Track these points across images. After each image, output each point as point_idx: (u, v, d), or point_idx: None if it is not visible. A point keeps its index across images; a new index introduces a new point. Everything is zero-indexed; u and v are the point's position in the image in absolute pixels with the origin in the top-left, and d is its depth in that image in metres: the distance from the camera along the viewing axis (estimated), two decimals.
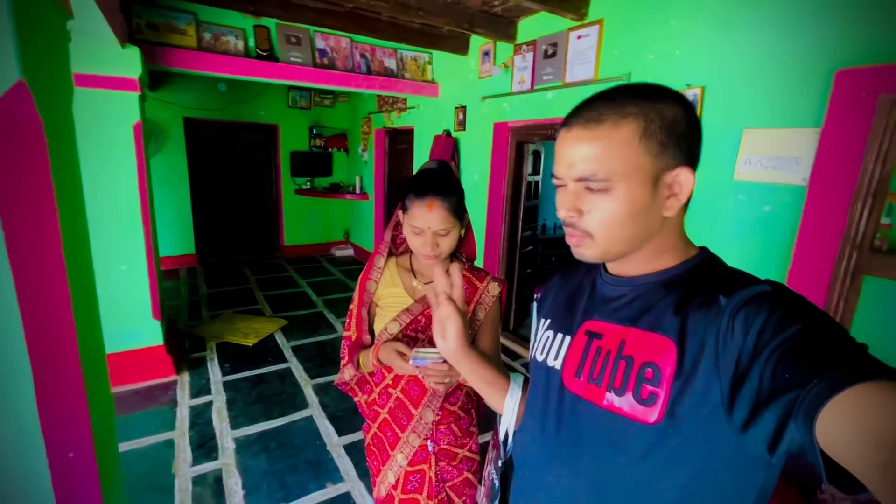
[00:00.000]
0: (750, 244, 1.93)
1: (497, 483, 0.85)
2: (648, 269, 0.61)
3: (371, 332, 1.18)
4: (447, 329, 0.73)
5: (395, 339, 1.08)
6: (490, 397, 0.78)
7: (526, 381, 0.81)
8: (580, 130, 0.56)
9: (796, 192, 1.76)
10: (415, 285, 1.12)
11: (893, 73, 1.46)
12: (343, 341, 1.20)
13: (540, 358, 0.71)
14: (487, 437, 2.28)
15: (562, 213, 0.59)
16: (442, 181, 1.02)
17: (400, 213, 1.09)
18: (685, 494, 0.53)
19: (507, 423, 0.77)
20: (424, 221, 0.99)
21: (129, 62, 2.46)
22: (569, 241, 0.61)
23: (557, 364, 0.66)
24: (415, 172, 1.09)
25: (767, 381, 0.44)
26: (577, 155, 0.56)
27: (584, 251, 0.60)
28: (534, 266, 4.19)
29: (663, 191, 0.56)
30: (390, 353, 1.02)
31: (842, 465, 0.38)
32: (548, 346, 0.70)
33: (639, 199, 0.55)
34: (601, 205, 0.55)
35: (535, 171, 3.81)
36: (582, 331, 0.65)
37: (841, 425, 0.37)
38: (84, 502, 0.78)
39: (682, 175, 0.55)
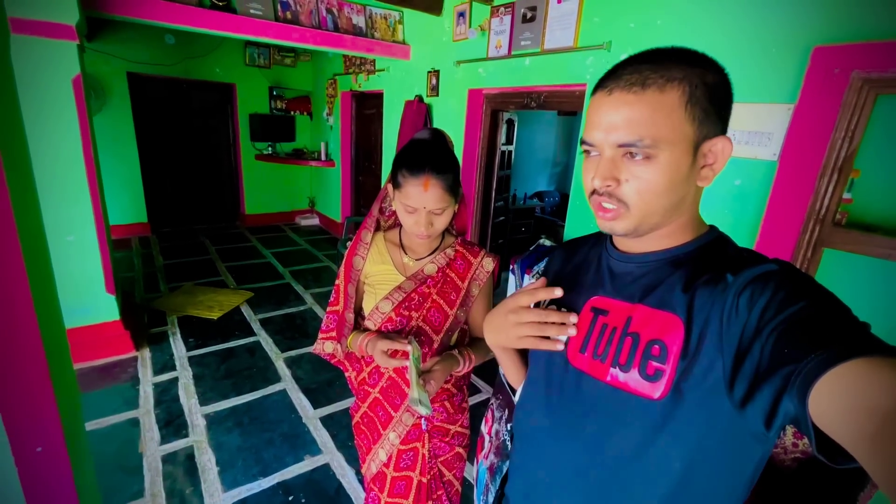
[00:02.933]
0: (719, 217, 2.00)
1: (510, 444, 0.85)
2: (661, 246, 0.60)
3: (360, 310, 1.14)
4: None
5: (381, 329, 1.05)
6: (509, 371, 0.78)
7: None
8: (623, 94, 0.52)
9: (767, 166, 1.82)
10: (405, 262, 1.07)
11: (867, 51, 1.50)
12: (328, 315, 1.15)
13: None
14: (474, 399, 2.31)
15: (596, 183, 0.55)
16: (438, 156, 0.95)
17: (390, 187, 1.03)
18: (686, 467, 0.54)
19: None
20: (419, 201, 0.93)
21: (65, 6, 2.17)
22: (600, 213, 0.57)
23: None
24: (407, 143, 1.02)
25: (767, 357, 0.45)
26: (619, 119, 0.52)
27: (617, 224, 0.56)
28: (505, 237, 4.22)
29: (700, 160, 0.54)
30: (378, 353, 0.97)
31: (832, 438, 0.39)
32: None
33: (681, 168, 0.53)
34: (641, 173, 0.53)
35: (509, 141, 3.77)
36: (587, 307, 0.64)
37: (834, 398, 0.38)
38: (57, 498, 0.72)
39: (722, 145, 0.54)
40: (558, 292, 0.61)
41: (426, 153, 0.95)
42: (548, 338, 0.63)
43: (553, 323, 0.61)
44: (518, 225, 4.79)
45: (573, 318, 0.61)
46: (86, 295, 2.60)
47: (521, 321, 0.62)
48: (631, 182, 0.53)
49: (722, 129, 0.55)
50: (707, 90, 0.52)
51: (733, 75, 1.93)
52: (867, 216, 1.68)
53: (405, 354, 0.96)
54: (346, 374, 1.21)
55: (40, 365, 0.68)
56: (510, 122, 3.66)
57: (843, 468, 0.41)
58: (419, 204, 0.93)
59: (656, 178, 0.52)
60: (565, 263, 0.75)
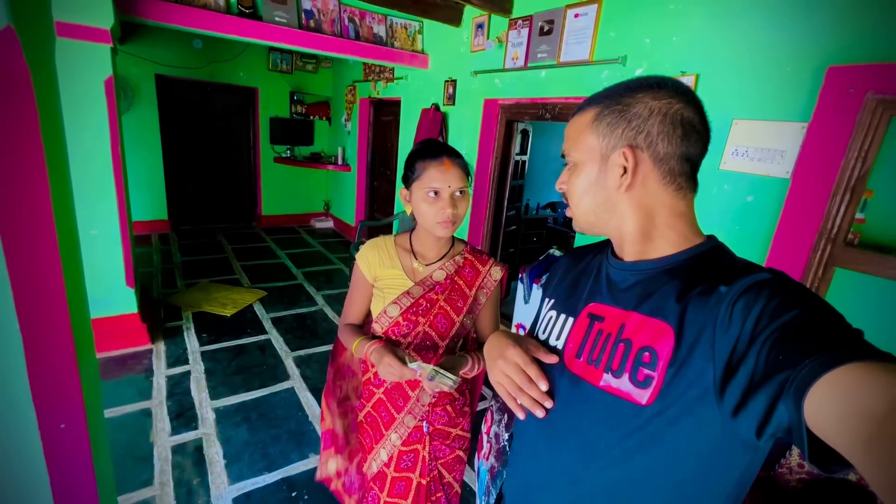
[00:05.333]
0: (731, 233, 1.99)
1: (508, 449, 0.87)
2: (656, 255, 0.61)
3: (368, 314, 1.18)
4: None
5: (387, 332, 1.08)
6: None
7: None
8: (572, 119, 0.67)
9: (779, 184, 1.82)
10: (415, 267, 1.09)
11: (881, 72, 1.50)
12: (324, 435, 1.31)
13: (542, 337, 0.72)
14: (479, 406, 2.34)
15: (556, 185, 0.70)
16: (449, 147, 1.03)
17: (404, 191, 1.06)
18: (672, 473, 0.56)
19: None
20: (443, 180, 0.97)
21: (101, 10, 2.28)
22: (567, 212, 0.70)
23: (559, 344, 0.68)
24: (407, 148, 1.08)
25: (762, 364, 0.46)
26: (565, 136, 0.68)
27: (573, 220, 0.69)
28: (516, 246, 4.23)
29: (615, 169, 0.60)
30: (384, 366, 0.96)
31: (826, 444, 0.40)
32: (550, 326, 0.72)
33: (590, 173, 0.63)
34: (570, 178, 0.66)
35: (523, 151, 3.80)
36: (585, 313, 0.66)
37: (829, 403, 0.39)
38: (76, 474, 0.76)
39: (617, 154, 0.60)
40: (552, 359, 0.66)
41: (438, 143, 1.03)
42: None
43: (529, 394, 0.65)
44: (530, 234, 4.80)
45: (548, 405, 0.65)
46: (107, 287, 2.69)
47: (505, 373, 0.65)
48: (567, 184, 0.67)
49: (640, 142, 0.59)
50: (619, 109, 0.61)
51: (747, 93, 1.96)
52: (881, 237, 1.67)
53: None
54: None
55: (68, 346, 0.73)
56: (524, 133, 3.70)
57: (837, 477, 0.42)
58: (444, 183, 0.97)
59: (575, 180, 0.65)
60: (568, 270, 0.77)
